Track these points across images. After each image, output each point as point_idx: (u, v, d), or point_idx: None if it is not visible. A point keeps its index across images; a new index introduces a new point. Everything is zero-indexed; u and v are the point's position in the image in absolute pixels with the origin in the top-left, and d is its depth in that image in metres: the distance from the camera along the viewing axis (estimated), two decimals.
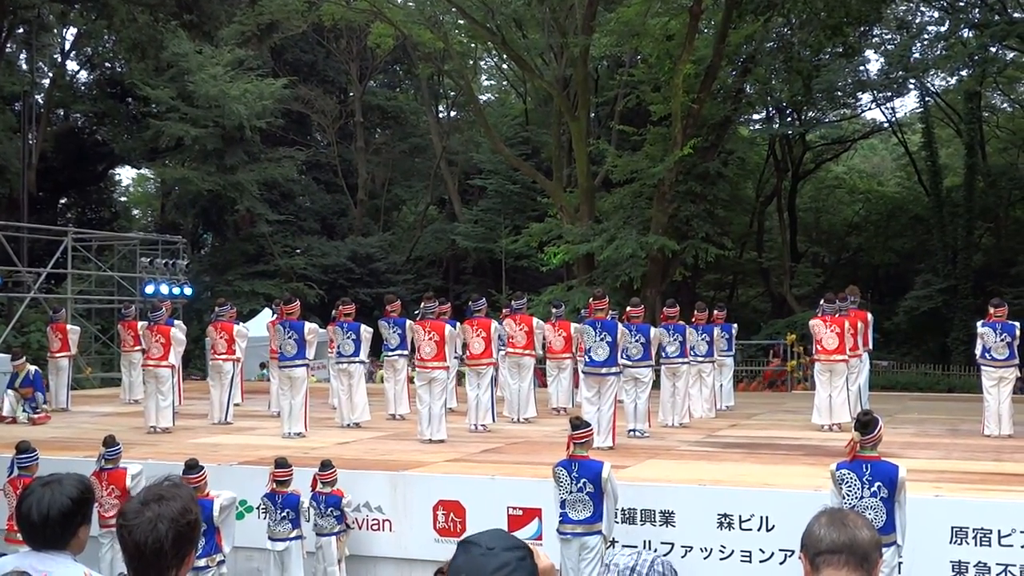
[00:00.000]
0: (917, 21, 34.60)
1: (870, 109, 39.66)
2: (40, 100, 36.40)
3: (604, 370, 12.18)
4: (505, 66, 39.74)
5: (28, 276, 25.34)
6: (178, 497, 2.99)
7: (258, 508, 10.42)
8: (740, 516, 9.08)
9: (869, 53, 36.17)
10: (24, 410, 15.87)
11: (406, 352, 14.85)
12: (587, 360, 12.45)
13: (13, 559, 3.40)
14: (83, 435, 13.85)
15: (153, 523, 2.91)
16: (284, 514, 9.72)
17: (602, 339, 12.17)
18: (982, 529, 8.41)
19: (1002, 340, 12.94)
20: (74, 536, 3.44)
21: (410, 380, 15.07)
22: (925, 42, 33.12)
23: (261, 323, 22.31)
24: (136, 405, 17.02)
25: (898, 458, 8.33)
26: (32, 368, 16.44)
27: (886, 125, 40.26)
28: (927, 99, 35.23)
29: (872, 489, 7.31)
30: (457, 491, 10.09)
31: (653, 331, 13.20)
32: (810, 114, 37.38)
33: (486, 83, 45.33)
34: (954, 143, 37.88)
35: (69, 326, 18.37)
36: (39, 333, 25.12)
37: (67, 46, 39.28)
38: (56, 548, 3.39)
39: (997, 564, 8.35)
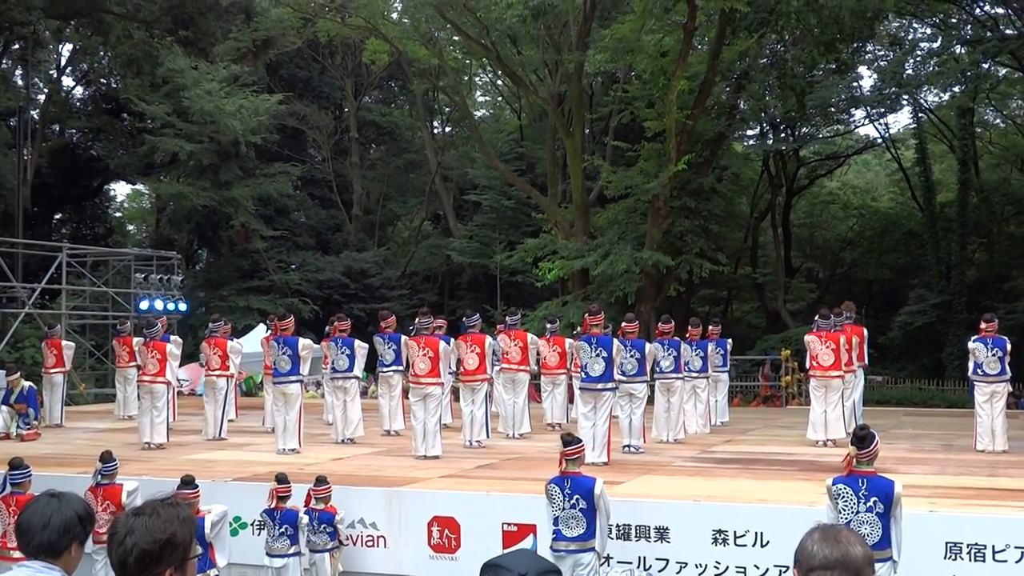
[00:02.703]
0: (910, 38, 34.76)
1: (863, 125, 39.79)
2: (35, 116, 36.39)
3: (600, 385, 12.20)
4: (500, 82, 39.82)
5: (22, 292, 25.30)
6: (160, 515, 2.95)
7: (253, 524, 10.41)
8: (735, 532, 9.08)
9: (862, 69, 36.34)
10: (18, 426, 15.84)
11: (401, 368, 14.84)
12: (583, 376, 12.47)
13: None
14: (78, 451, 13.84)
15: (123, 536, 2.90)
16: (283, 530, 9.71)
17: (598, 355, 12.19)
18: (976, 544, 8.42)
19: (993, 355, 12.98)
20: (67, 549, 3.44)
21: (405, 395, 15.05)
22: (918, 58, 33.23)
23: (256, 339, 22.30)
24: (130, 421, 17.02)
25: (892, 473, 8.34)
26: (27, 384, 16.42)
27: (879, 141, 40.36)
28: (920, 115, 35.34)
29: (868, 504, 7.31)
30: (452, 507, 10.08)
31: (648, 347, 13.23)
32: (804, 130, 37.46)
33: (481, 99, 45.39)
34: (947, 159, 38.00)
35: (64, 342, 18.35)
36: (33, 349, 25.07)
37: (63, 62, 39.33)
38: (50, 556, 3.39)
39: None
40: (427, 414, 12.74)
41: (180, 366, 17.23)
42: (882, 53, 35.72)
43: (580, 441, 8.89)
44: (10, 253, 26.61)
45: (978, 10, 30.41)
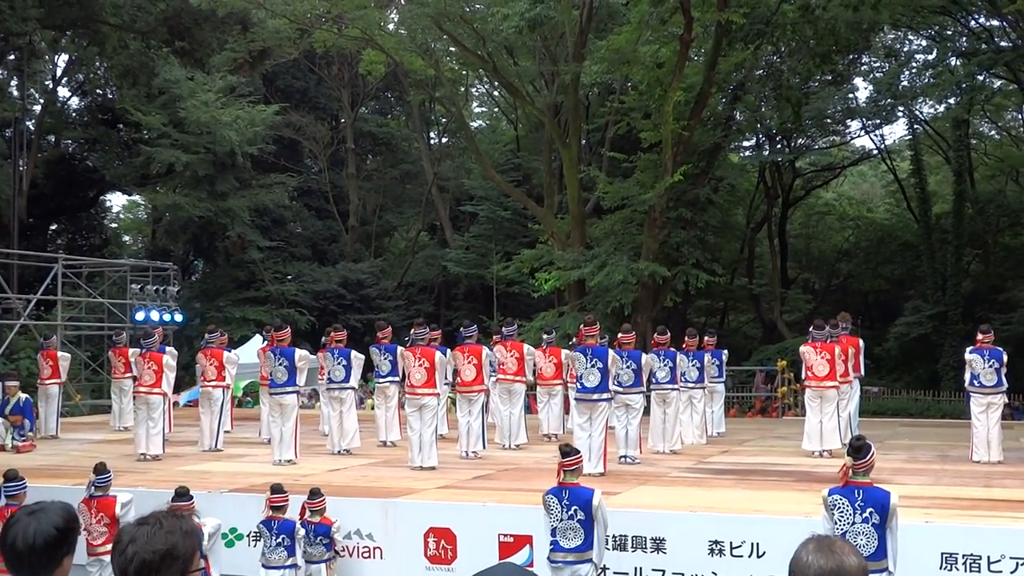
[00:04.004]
0: (905, 49, 34.85)
1: (859, 136, 39.90)
2: (31, 126, 36.41)
3: (595, 396, 12.20)
4: (496, 93, 39.88)
5: (18, 303, 25.28)
6: (163, 525, 2.94)
7: (248, 535, 10.38)
8: (731, 542, 9.08)
9: (858, 81, 36.45)
10: (13, 438, 15.80)
11: (397, 379, 14.83)
12: (578, 386, 12.47)
13: None
14: (73, 462, 13.80)
15: (125, 546, 2.90)
16: (280, 540, 9.67)
17: (593, 365, 12.20)
18: (971, 555, 8.43)
19: (990, 366, 12.99)
20: (59, 566, 3.39)
21: (401, 406, 15.04)
22: (913, 70, 33.34)
23: (252, 349, 22.28)
24: (126, 432, 16.99)
25: (888, 484, 8.35)
26: (22, 395, 16.38)
27: (875, 152, 40.44)
28: (915, 126, 35.42)
29: (864, 515, 7.31)
30: (448, 518, 10.07)
31: (644, 357, 13.22)
32: (800, 141, 37.55)
33: (477, 110, 45.47)
34: (942, 170, 38.07)
35: (59, 353, 18.32)
36: (29, 360, 25.02)
37: (59, 73, 39.37)
38: None
39: None
40: (423, 425, 12.73)
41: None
42: (878, 65, 35.82)
43: (578, 452, 8.88)
44: (5, 264, 26.61)
45: (973, 22, 30.49)
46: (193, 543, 3.00)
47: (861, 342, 15.53)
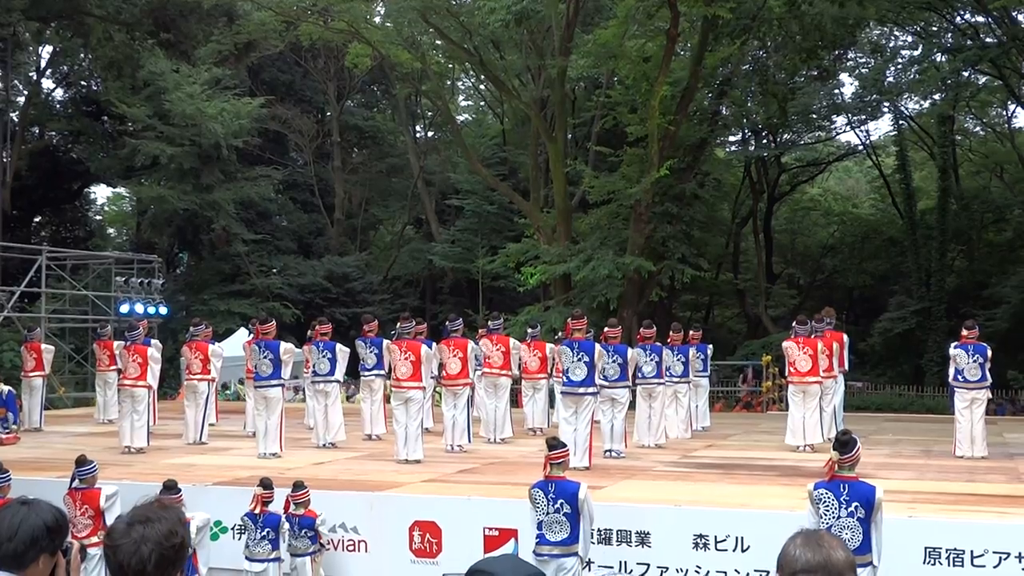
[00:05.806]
0: (891, 45, 34.98)
1: (845, 132, 40.01)
2: (15, 118, 36.17)
3: (582, 390, 12.22)
4: (483, 87, 39.84)
5: (1, 295, 25.14)
6: (164, 519, 2.98)
7: (233, 528, 10.36)
8: (716, 537, 9.09)
9: (844, 76, 36.55)
10: None
11: (383, 372, 14.82)
12: (565, 380, 12.48)
13: None
14: (57, 455, 13.74)
15: (137, 545, 2.91)
16: (264, 534, 9.65)
17: (580, 359, 12.21)
18: (955, 550, 8.46)
19: (974, 361, 13.04)
20: (34, 562, 3.31)
21: (387, 400, 15.03)
22: (899, 66, 33.48)
23: (237, 343, 22.22)
24: (110, 425, 16.92)
25: (873, 479, 8.38)
26: (6, 388, 16.30)
27: (860, 148, 40.60)
28: (901, 122, 35.55)
29: (849, 509, 7.33)
30: (433, 512, 10.07)
31: (630, 352, 13.25)
32: (785, 136, 37.63)
33: (464, 103, 45.39)
34: (927, 166, 38.23)
35: (43, 345, 18.24)
36: (12, 352, 24.92)
37: (43, 64, 39.11)
38: (15, 567, 3.30)
39: None
40: (409, 418, 12.72)
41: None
42: (863, 60, 35.95)
43: (565, 445, 8.89)
44: None
45: (959, 18, 30.62)
46: (186, 531, 3.11)
47: (845, 337, 15.58)
